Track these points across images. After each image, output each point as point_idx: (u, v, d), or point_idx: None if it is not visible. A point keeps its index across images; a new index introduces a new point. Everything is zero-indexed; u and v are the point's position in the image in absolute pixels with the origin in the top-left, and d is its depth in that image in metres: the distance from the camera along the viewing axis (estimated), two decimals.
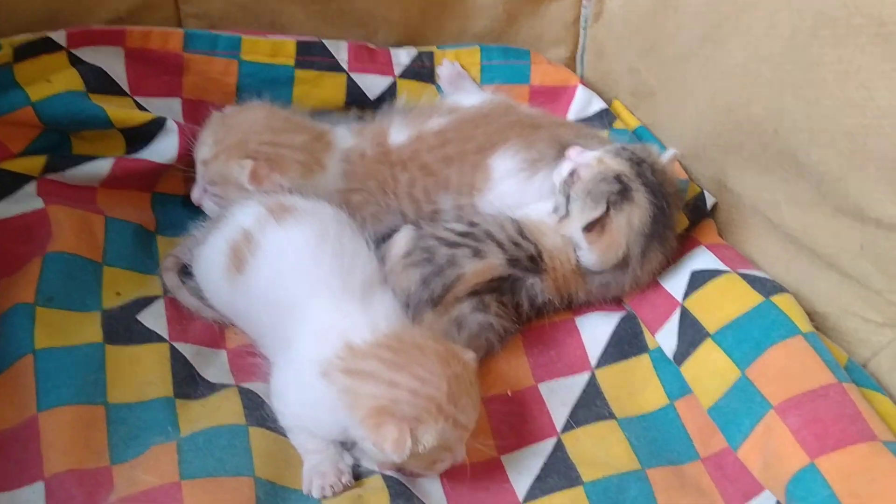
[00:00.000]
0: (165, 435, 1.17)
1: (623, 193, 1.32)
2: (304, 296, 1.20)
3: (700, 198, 1.48)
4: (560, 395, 1.32)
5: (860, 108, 1.10)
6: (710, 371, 1.24)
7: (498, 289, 1.34)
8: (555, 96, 1.66)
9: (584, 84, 1.66)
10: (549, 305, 1.37)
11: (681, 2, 1.43)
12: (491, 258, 1.33)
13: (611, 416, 1.28)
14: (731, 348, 1.23)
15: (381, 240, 1.38)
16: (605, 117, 1.63)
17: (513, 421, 1.28)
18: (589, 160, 1.37)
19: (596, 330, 1.39)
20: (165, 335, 1.31)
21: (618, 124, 1.62)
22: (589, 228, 1.32)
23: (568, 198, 1.36)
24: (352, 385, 1.11)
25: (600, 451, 1.24)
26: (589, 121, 1.64)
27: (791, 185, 1.28)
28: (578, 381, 1.33)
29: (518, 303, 1.36)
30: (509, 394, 1.32)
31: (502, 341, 1.35)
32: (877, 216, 1.14)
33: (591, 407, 1.30)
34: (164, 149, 1.46)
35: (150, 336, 1.29)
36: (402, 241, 1.37)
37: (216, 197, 1.41)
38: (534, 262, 1.35)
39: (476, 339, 1.32)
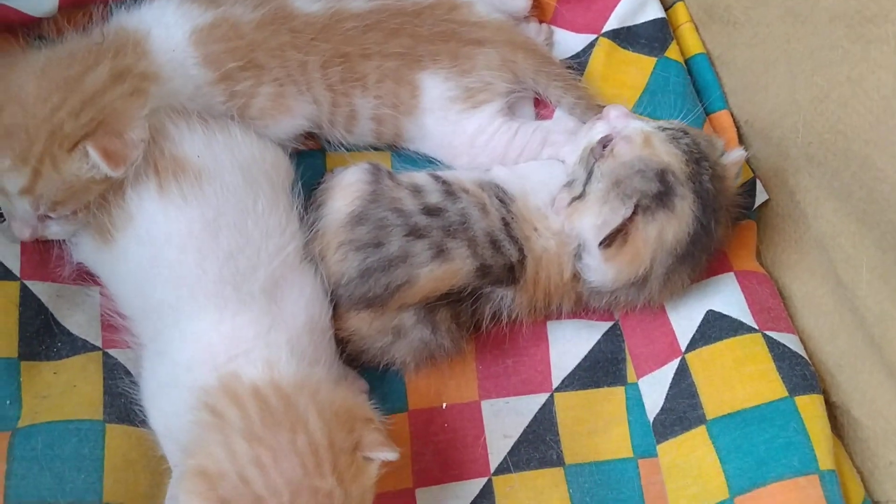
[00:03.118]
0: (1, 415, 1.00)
1: (662, 198, 1.00)
2: (182, 302, 0.95)
3: (749, 187, 1.14)
4: (504, 421, 1.12)
5: None
6: (694, 471, 1.03)
7: (456, 300, 1.04)
8: None
9: None
10: (517, 319, 1.09)
11: None
12: (456, 263, 1.01)
13: (558, 460, 1.10)
14: (728, 456, 1.01)
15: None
16: (657, 34, 1.23)
17: (440, 445, 1.11)
18: (633, 132, 1.04)
19: (569, 344, 1.15)
20: (16, 271, 1.07)
21: (671, 52, 1.21)
22: (607, 243, 1.00)
23: (590, 174, 1.04)
24: (203, 428, 0.91)
25: None
26: (634, 33, 1.23)
27: (887, 255, 0.96)
28: (531, 405, 1.13)
29: (478, 319, 1.08)
30: (443, 407, 1.12)
31: (450, 358, 1.09)
32: None
33: (538, 445, 1.11)
34: None
35: None
36: (349, 193, 1.05)
37: (66, 218, 1.03)
38: (511, 272, 1.04)
39: (416, 354, 1.06)
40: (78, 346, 1.07)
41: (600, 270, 1.03)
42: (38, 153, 0.97)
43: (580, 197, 1.04)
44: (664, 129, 1.03)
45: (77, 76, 1.00)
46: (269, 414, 0.90)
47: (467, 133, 1.14)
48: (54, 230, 1.05)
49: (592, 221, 1.02)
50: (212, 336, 0.95)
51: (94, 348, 1.07)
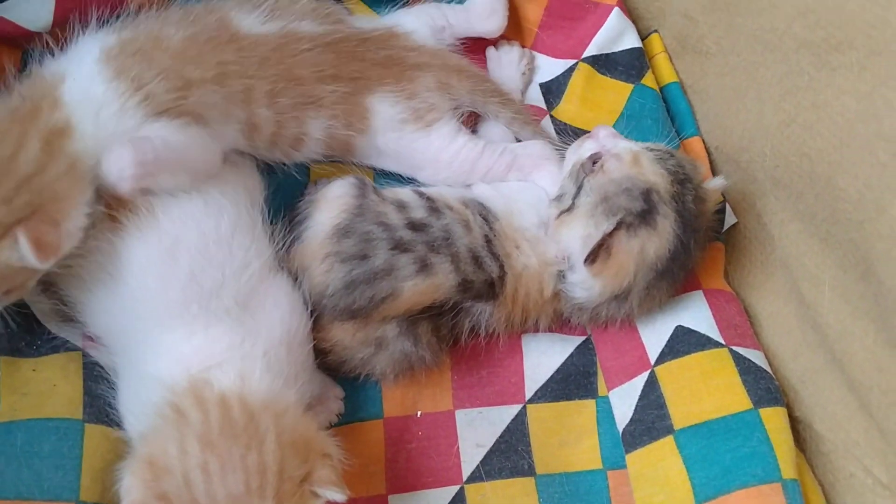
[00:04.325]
0: None
1: (644, 216, 1.03)
2: (149, 322, 0.95)
3: (720, 211, 1.17)
4: (478, 431, 1.12)
5: None
6: (661, 479, 1.04)
7: (437, 315, 1.06)
8: (577, 15, 1.26)
9: (621, 7, 1.26)
10: (493, 333, 1.11)
11: None
12: (439, 277, 1.03)
13: (529, 470, 1.11)
14: (694, 465, 1.02)
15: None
16: (633, 62, 1.26)
17: (413, 453, 1.11)
18: (622, 151, 1.07)
19: (543, 356, 1.16)
20: None
21: (647, 80, 1.25)
22: (591, 259, 1.03)
23: (580, 188, 1.06)
24: (163, 422, 0.90)
25: None
26: (612, 60, 1.26)
27: (847, 273, 0.99)
28: (504, 416, 1.14)
29: (458, 332, 1.09)
30: (418, 415, 1.13)
31: (427, 369, 1.10)
32: None
33: (510, 454, 1.12)
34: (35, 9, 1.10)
35: None
36: (334, 206, 1.06)
37: (3, 297, 0.97)
38: (491, 288, 1.06)
39: (396, 365, 1.07)
40: (58, 344, 1.05)
41: (587, 284, 1.06)
42: None
43: (569, 210, 1.07)
44: (651, 150, 1.07)
45: (9, 157, 0.92)
46: (230, 425, 0.89)
47: (430, 150, 1.15)
48: None
49: (579, 233, 1.06)
50: (183, 348, 0.94)
51: (74, 348, 1.05)
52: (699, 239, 1.07)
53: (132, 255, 0.97)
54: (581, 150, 1.09)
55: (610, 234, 1.02)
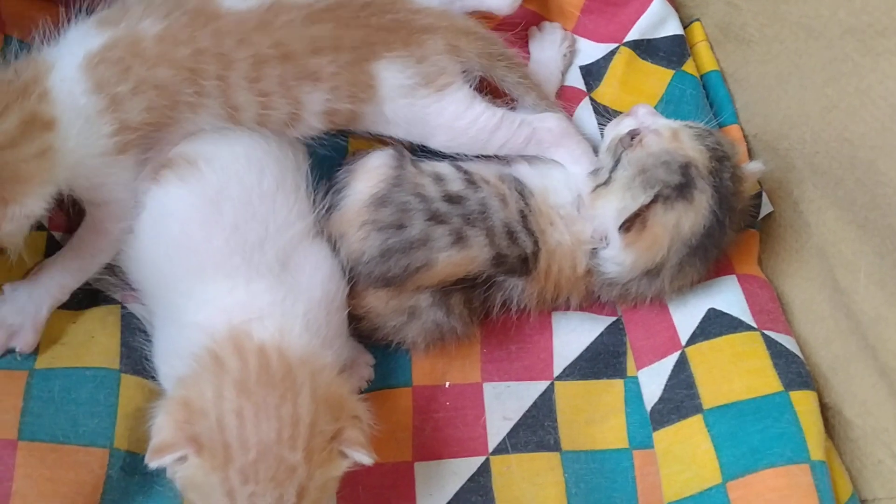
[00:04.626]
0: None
1: (682, 189, 1.04)
2: (192, 273, 0.97)
3: (755, 199, 1.17)
4: (505, 404, 1.13)
5: None
6: (688, 456, 1.04)
7: (470, 287, 1.07)
8: (620, 0, 1.26)
9: None
10: (525, 309, 1.12)
11: None
12: (473, 250, 1.04)
13: (555, 445, 1.11)
14: (722, 443, 1.02)
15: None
16: (675, 49, 1.25)
17: (440, 422, 1.12)
18: (662, 127, 1.08)
19: (572, 334, 1.17)
20: (45, 221, 1.07)
21: (687, 66, 1.25)
22: (626, 226, 1.04)
23: (617, 161, 1.07)
24: (201, 367, 0.91)
25: (530, 490, 1.09)
26: (654, 46, 1.26)
27: (885, 260, 0.99)
28: (531, 391, 1.14)
29: (490, 306, 1.10)
30: (446, 385, 1.13)
31: (457, 341, 1.11)
32: None
33: (536, 429, 1.12)
34: None
35: None
36: (372, 176, 1.07)
37: None
38: (524, 263, 1.07)
39: (427, 334, 1.08)
40: (98, 298, 1.08)
41: (619, 259, 1.06)
42: None
43: (605, 183, 1.08)
44: (690, 128, 1.07)
45: None
46: (267, 374, 0.90)
47: (444, 116, 1.10)
48: None
49: (615, 206, 1.06)
50: (225, 299, 0.96)
51: (114, 301, 1.08)
52: (734, 218, 1.07)
53: (177, 204, 0.99)
54: (620, 127, 1.10)
55: (647, 207, 1.03)
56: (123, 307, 1.08)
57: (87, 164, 0.97)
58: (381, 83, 1.08)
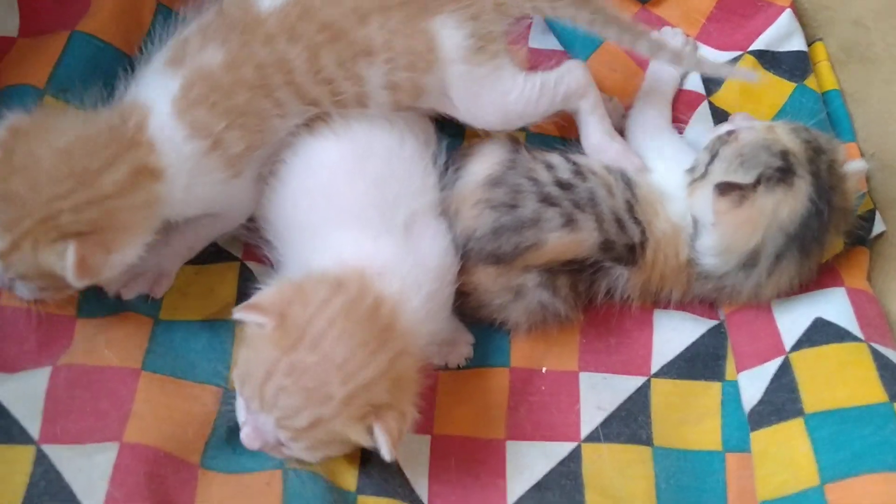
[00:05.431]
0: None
1: (783, 173, 1.04)
2: (330, 218, 1.02)
3: (868, 217, 1.17)
4: (600, 395, 1.13)
5: None
6: (786, 459, 1.02)
7: (577, 271, 1.09)
8: (748, 12, 1.29)
9: (794, 9, 1.28)
10: (628, 300, 1.13)
11: None
12: (583, 233, 1.07)
13: (647, 440, 1.11)
14: (823, 447, 1.01)
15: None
16: (798, 64, 1.27)
17: (534, 405, 1.13)
18: (757, 125, 1.09)
19: (672, 333, 1.17)
20: None
21: (809, 82, 1.26)
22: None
23: (714, 155, 1.09)
24: (322, 277, 0.96)
25: (619, 481, 1.08)
26: (777, 59, 1.27)
27: None
28: (628, 385, 1.14)
29: (594, 292, 1.12)
30: (543, 371, 1.15)
31: (560, 325, 1.13)
32: None
33: (629, 422, 1.12)
34: None
35: None
36: (488, 159, 1.12)
37: (38, 291, 0.98)
38: (632, 252, 1.09)
39: (531, 315, 1.11)
40: (222, 255, 1.15)
41: (715, 249, 1.07)
42: (25, 230, 0.90)
43: (702, 176, 1.09)
44: (785, 123, 1.09)
45: (96, 171, 0.93)
46: (372, 318, 0.94)
47: (497, 89, 1.07)
48: (21, 291, 0.98)
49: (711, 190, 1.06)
50: (353, 249, 1.00)
51: (234, 258, 1.14)
52: (835, 218, 1.06)
53: (328, 154, 1.05)
54: (718, 129, 1.12)
55: (751, 187, 1.03)
56: (244, 264, 1.14)
57: (199, 197, 1.01)
58: (441, 44, 1.03)
